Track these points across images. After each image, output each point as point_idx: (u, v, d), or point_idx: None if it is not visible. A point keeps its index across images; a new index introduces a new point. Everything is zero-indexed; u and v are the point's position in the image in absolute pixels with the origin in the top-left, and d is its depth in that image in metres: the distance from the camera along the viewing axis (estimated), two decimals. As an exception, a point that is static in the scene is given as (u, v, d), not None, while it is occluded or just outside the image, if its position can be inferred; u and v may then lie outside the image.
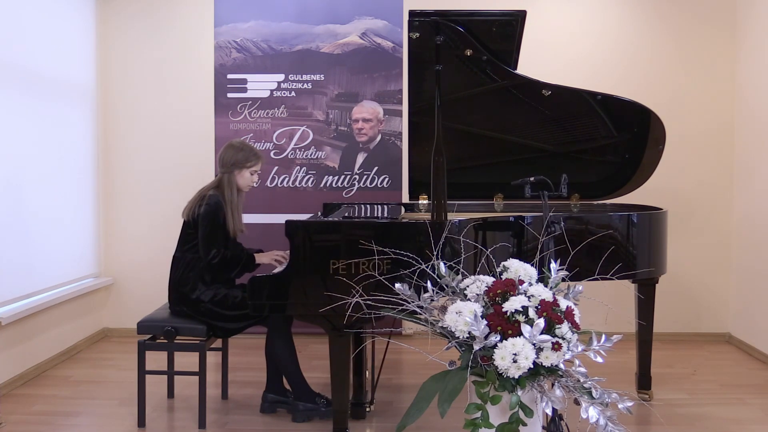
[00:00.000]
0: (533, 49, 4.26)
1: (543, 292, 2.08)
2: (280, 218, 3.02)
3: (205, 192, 3.23)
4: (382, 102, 4.68)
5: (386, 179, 4.69)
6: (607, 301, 2.54)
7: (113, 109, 4.90)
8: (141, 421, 3.13)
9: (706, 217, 4.82)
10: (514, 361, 1.94)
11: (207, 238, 3.15)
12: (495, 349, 1.98)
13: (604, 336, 2.08)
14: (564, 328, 2.02)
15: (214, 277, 3.19)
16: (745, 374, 4.05)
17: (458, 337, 2.03)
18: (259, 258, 3.30)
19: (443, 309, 2.17)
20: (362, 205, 4.04)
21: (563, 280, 2.25)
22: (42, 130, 4.09)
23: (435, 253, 2.44)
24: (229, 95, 4.69)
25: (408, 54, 3.31)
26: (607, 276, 2.78)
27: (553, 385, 2.00)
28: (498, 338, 1.99)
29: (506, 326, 2.01)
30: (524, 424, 1.94)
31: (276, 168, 4.69)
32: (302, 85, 4.69)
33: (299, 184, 4.70)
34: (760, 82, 4.43)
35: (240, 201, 3.30)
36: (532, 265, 2.24)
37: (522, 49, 3.29)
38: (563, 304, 2.09)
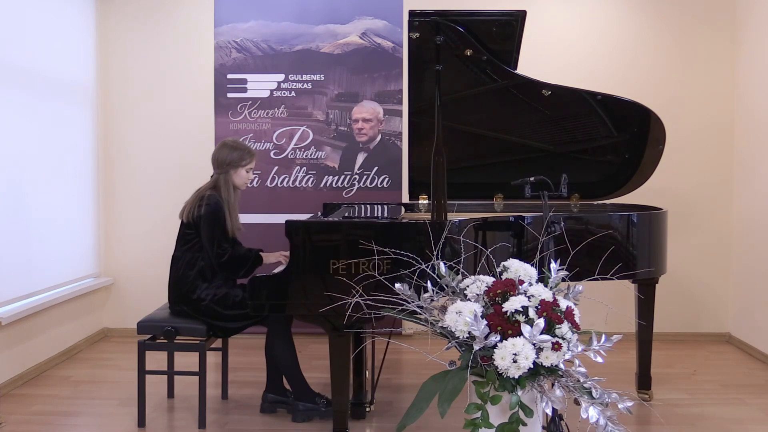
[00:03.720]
0: (533, 49, 4.26)
1: (543, 292, 2.08)
2: (280, 218, 3.02)
3: (203, 193, 3.23)
4: (382, 102, 4.68)
5: (386, 179, 4.69)
6: (607, 301, 2.54)
7: (113, 109, 4.90)
8: (141, 421, 3.13)
9: (706, 217, 4.82)
10: (514, 361, 1.94)
11: (213, 238, 3.15)
12: (495, 349, 1.98)
13: (604, 336, 2.08)
14: (564, 328, 2.02)
15: (215, 275, 3.19)
16: (745, 374, 4.05)
17: (458, 337, 2.03)
18: (267, 257, 3.30)
19: (443, 309, 2.17)
20: (362, 205, 4.04)
21: (563, 280, 2.25)
22: (42, 130, 4.09)
23: (435, 253, 2.44)
24: (229, 95, 4.69)
25: (408, 54, 3.31)
26: (607, 276, 2.78)
27: (553, 385, 2.00)
28: (498, 338, 1.99)
29: (506, 326, 2.01)
30: (524, 424, 1.94)
31: (276, 168, 4.69)
32: (302, 85, 4.69)
33: (299, 184, 4.70)
34: (759, 82, 4.43)
35: (236, 200, 3.31)
36: (532, 265, 2.24)
37: (522, 49, 3.29)
38: (563, 304, 2.09)
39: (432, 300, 2.22)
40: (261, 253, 3.31)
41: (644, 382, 3.52)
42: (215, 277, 3.19)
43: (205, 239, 3.15)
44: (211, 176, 3.31)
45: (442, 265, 2.26)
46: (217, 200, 3.19)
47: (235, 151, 3.27)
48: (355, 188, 4.70)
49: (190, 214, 3.18)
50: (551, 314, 2.02)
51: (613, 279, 2.81)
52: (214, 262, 3.16)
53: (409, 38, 3.08)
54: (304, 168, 4.70)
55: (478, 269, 2.83)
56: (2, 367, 3.63)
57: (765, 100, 4.35)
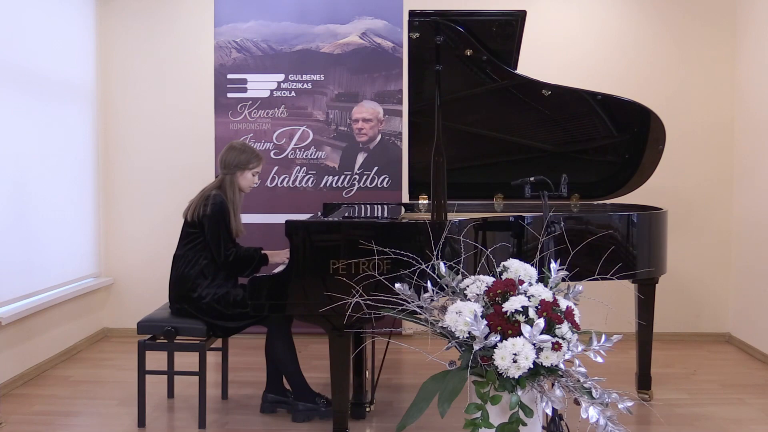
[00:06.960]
0: (533, 49, 4.26)
1: (543, 292, 2.08)
2: (280, 218, 3.02)
3: (208, 192, 3.23)
4: (382, 102, 4.68)
5: (386, 179, 4.69)
6: (607, 301, 2.54)
7: (113, 108, 4.90)
8: (141, 421, 3.13)
9: (706, 217, 4.82)
10: (514, 361, 1.94)
11: (219, 238, 3.15)
12: (495, 349, 1.98)
13: (604, 336, 2.08)
14: (564, 328, 2.02)
15: (216, 274, 3.19)
16: (745, 374, 4.05)
17: (458, 337, 2.03)
18: (272, 257, 3.30)
19: (443, 309, 2.17)
20: (362, 205, 4.04)
21: (563, 280, 2.25)
22: (42, 131, 4.09)
23: (435, 253, 2.44)
24: (229, 95, 4.69)
25: (408, 54, 3.31)
26: (607, 276, 2.78)
27: (553, 385, 2.00)
28: (498, 338, 1.99)
29: (506, 326, 2.01)
30: (524, 424, 1.94)
31: (276, 168, 4.69)
32: (302, 85, 4.69)
33: (299, 184, 4.70)
34: (760, 82, 4.43)
35: (240, 202, 3.32)
36: (532, 265, 2.24)
37: (522, 49, 3.29)
38: (563, 304, 2.09)
39: (432, 300, 2.22)
40: (265, 252, 3.32)
41: (644, 382, 3.52)
42: (216, 276, 3.19)
43: (211, 239, 3.16)
44: (216, 176, 3.31)
45: (442, 265, 2.26)
46: (222, 200, 3.19)
47: (243, 153, 3.29)
48: (355, 188, 4.70)
49: (195, 213, 3.19)
50: (551, 314, 2.02)
51: (613, 279, 2.81)
52: (220, 261, 3.16)
53: (409, 38, 3.08)
54: (304, 168, 4.70)
55: (478, 269, 2.82)
56: (2, 367, 3.63)
57: (765, 100, 4.35)
